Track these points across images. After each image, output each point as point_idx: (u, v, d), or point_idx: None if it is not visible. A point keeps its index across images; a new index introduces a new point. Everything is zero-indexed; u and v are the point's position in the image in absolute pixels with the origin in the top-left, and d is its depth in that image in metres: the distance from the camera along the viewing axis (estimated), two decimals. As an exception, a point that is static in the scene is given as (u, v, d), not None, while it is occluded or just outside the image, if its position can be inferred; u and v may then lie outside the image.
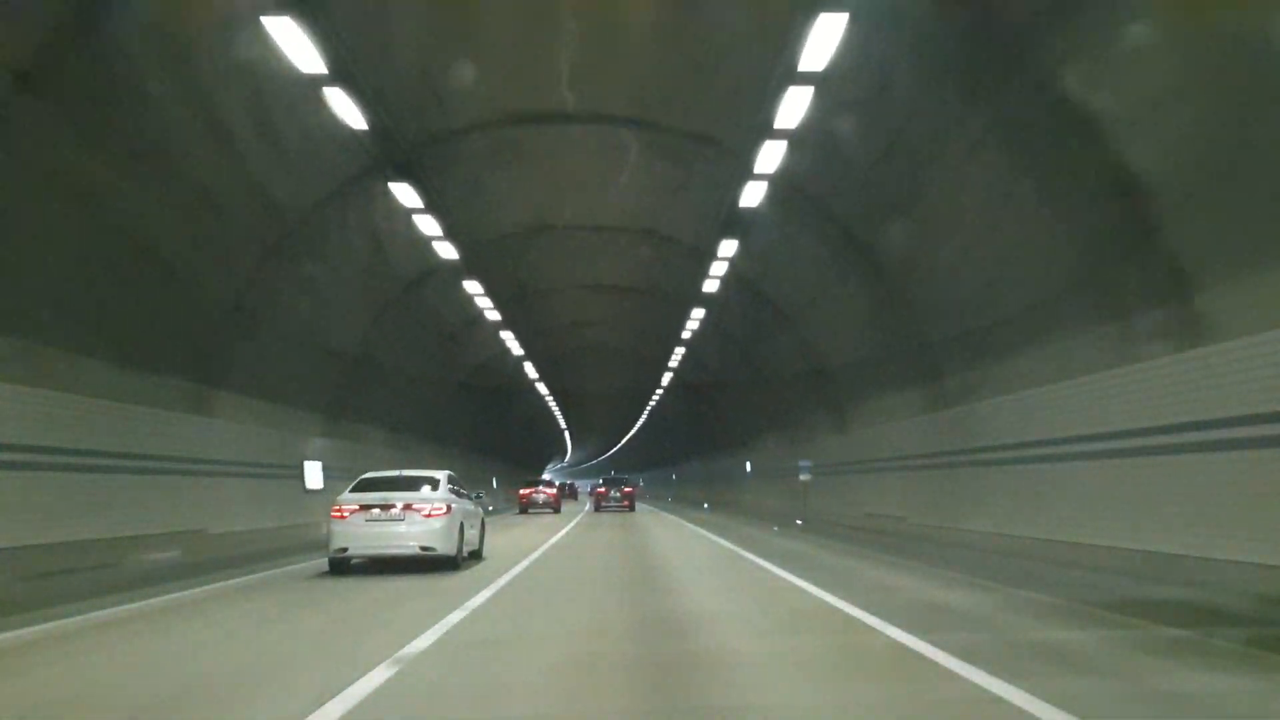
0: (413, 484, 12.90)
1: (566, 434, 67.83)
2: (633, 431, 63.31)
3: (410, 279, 20.41)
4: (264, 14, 9.09)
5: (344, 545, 12.12)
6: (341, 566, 12.27)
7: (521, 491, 37.84)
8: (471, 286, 21.40)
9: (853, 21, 9.20)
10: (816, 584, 10.27)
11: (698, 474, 47.83)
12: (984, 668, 5.60)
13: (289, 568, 13.13)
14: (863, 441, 20.04)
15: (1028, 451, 12.60)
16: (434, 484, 12.89)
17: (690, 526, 24.32)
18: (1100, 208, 9.94)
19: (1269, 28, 7.15)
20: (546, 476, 60.07)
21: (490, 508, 20.20)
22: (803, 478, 23.55)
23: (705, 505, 39.96)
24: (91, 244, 11.26)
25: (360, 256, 18.10)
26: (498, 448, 44.74)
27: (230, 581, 11.41)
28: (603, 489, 38.76)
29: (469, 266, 19.76)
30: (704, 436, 41.95)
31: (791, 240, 17.38)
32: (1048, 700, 4.80)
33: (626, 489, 38.37)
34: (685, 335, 27.28)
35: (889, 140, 12.56)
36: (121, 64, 9.68)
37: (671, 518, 30.59)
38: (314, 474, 19.31)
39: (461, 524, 12.78)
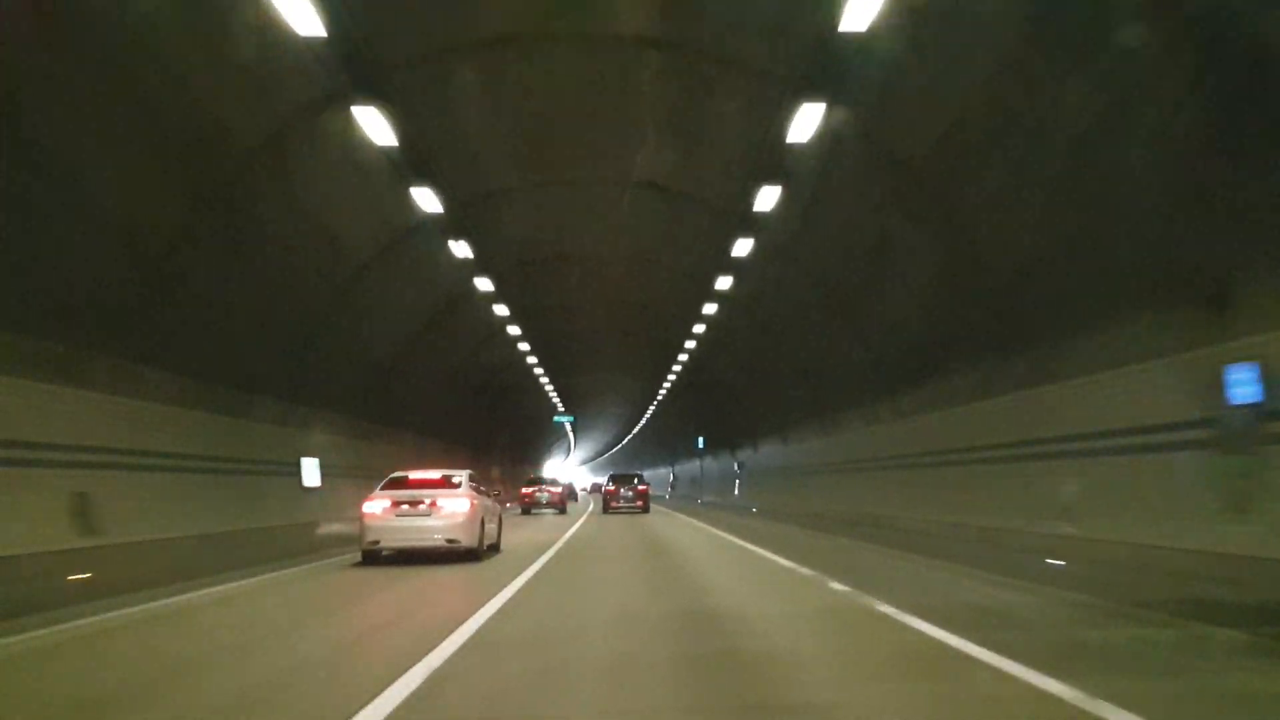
0: (438, 483, 13.62)
1: (570, 433, 68.26)
2: (633, 432, 63.72)
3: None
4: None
5: (376, 539, 12.83)
6: (374, 558, 12.98)
7: (524, 491, 35.83)
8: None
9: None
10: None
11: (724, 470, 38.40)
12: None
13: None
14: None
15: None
16: (458, 482, 13.64)
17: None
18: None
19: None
20: (550, 475, 58.87)
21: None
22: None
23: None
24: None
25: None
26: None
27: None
28: (612, 487, 34.41)
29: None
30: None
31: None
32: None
33: (640, 487, 33.89)
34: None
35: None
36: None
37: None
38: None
39: (482, 519, 13.61)
